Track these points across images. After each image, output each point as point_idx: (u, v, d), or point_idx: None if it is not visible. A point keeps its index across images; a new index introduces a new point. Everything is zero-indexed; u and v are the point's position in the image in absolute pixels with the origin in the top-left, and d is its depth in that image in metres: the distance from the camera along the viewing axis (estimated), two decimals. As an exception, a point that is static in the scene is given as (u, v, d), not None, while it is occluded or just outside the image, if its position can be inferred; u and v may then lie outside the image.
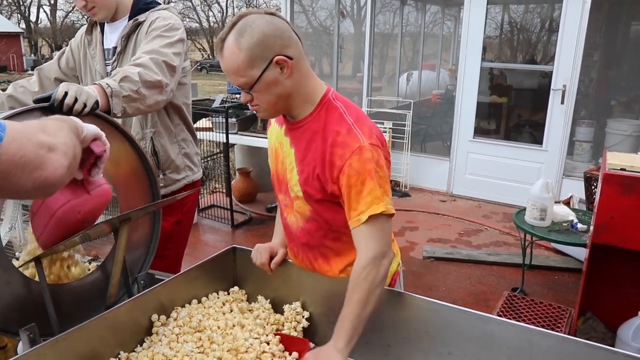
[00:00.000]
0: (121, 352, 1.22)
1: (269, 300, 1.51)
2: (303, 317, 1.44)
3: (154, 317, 1.32)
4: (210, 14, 37.49)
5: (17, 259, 1.45)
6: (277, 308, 1.50)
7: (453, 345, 1.27)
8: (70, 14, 36.47)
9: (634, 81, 6.06)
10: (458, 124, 5.40)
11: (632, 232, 2.22)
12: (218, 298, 1.50)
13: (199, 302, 1.46)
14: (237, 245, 1.62)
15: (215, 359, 1.24)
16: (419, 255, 4.08)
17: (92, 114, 1.38)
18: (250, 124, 4.82)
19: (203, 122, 4.63)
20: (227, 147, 4.73)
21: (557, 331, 2.62)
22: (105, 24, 2.03)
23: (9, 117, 1.17)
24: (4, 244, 1.41)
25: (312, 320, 1.44)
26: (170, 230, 2.03)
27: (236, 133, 4.71)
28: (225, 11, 36.47)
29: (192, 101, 2.32)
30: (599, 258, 2.56)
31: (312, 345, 1.36)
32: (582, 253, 3.49)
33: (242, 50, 1.16)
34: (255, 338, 1.33)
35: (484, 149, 5.34)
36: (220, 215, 4.85)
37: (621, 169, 2.24)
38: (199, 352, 1.24)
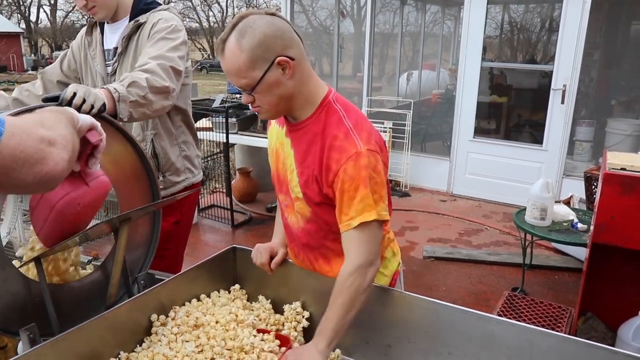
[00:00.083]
0: (121, 352, 1.22)
1: (269, 300, 1.51)
2: (303, 317, 1.44)
3: (154, 316, 1.32)
4: (210, 13, 37.54)
5: (19, 259, 1.45)
6: (277, 308, 1.50)
7: (453, 345, 1.27)
8: (70, 14, 36.49)
9: (634, 81, 6.06)
10: (458, 124, 5.40)
11: (632, 231, 2.22)
12: (219, 297, 1.50)
13: (199, 300, 1.46)
14: (237, 245, 1.62)
15: (215, 356, 1.24)
16: (419, 255, 4.08)
17: (97, 115, 1.39)
18: (250, 123, 4.82)
19: (203, 122, 4.63)
20: (227, 147, 4.73)
21: (558, 331, 2.62)
22: (106, 24, 2.03)
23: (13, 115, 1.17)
24: (4, 244, 1.41)
25: (312, 320, 1.44)
26: (169, 231, 2.03)
27: (236, 133, 4.71)
28: (225, 11, 36.49)
29: (192, 101, 2.33)
30: (599, 258, 2.55)
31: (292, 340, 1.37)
32: (582, 253, 3.49)
33: (243, 51, 1.15)
34: (255, 335, 1.33)
35: (484, 148, 5.34)
36: (220, 215, 4.85)
37: (621, 169, 2.24)
38: (199, 352, 1.24)
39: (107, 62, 2.02)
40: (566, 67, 4.68)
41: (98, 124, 1.06)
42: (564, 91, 4.73)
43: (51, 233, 1.19)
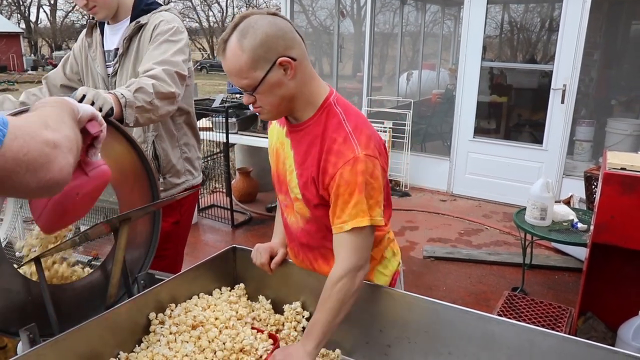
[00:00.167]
0: (121, 352, 1.22)
1: (269, 300, 1.51)
2: (303, 317, 1.44)
3: (152, 315, 1.32)
4: (210, 13, 37.55)
5: (19, 260, 1.45)
6: (278, 308, 1.50)
7: (453, 345, 1.27)
8: (70, 14, 36.50)
9: (634, 80, 6.06)
10: (458, 124, 5.40)
11: (632, 231, 2.22)
12: (221, 294, 1.50)
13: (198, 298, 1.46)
14: (237, 245, 1.62)
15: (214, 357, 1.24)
16: (419, 254, 4.07)
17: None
18: (250, 123, 4.82)
19: (203, 122, 4.63)
20: (227, 146, 4.73)
21: (558, 331, 2.62)
22: (106, 25, 2.03)
23: (15, 115, 1.17)
24: (3, 244, 1.41)
25: (312, 320, 1.44)
26: (169, 231, 2.03)
27: (236, 133, 4.71)
28: (225, 11, 36.50)
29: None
30: (599, 258, 2.55)
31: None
32: (582, 253, 3.49)
33: (245, 51, 1.15)
34: (255, 337, 1.33)
35: (484, 148, 5.33)
36: (220, 215, 4.85)
37: (621, 169, 2.24)
38: (200, 352, 1.24)
39: (107, 63, 2.02)
40: (566, 67, 4.69)
41: (98, 114, 1.05)
42: (564, 91, 4.73)
43: (50, 221, 1.18)
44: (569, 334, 2.25)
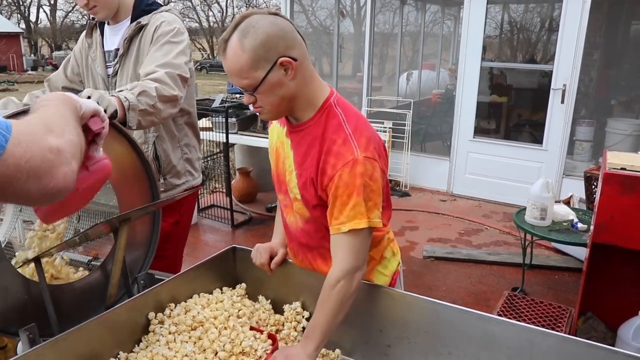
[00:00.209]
0: (120, 353, 1.22)
1: (269, 300, 1.51)
2: (303, 317, 1.44)
3: (151, 314, 1.32)
4: (210, 13, 37.53)
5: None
6: (277, 308, 1.50)
7: (453, 345, 1.27)
8: (70, 14, 36.49)
9: (634, 80, 6.06)
10: (458, 124, 5.39)
11: (632, 231, 2.22)
12: (222, 294, 1.50)
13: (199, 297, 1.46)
14: (237, 245, 1.62)
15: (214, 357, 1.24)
16: (419, 254, 4.07)
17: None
18: (250, 123, 4.82)
19: (203, 122, 4.63)
20: (227, 147, 4.73)
21: (558, 331, 2.62)
22: (106, 25, 2.03)
23: (14, 115, 1.17)
24: (3, 244, 1.41)
25: (312, 320, 1.44)
26: (168, 231, 2.03)
27: (236, 133, 4.71)
28: (225, 11, 36.49)
29: (192, 101, 2.33)
30: (599, 258, 2.55)
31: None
32: (582, 253, 3.48)
33: (245, 51, 1.14)
34: (256, 337, 1.33)
35: (484, 148, 5.33)
36: (220, 215, 4.85)
37: (621, 169, 2.24)
38: (199, 353, 1.24)
39: (107, 64, 2.02)
40: (566, 67, 4.69)
41: (101, 109, 1.03)
42: (563, 91, 4.73)
43: (49, 212, 1.18)
44: (569, 334, 2.25)
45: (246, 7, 32.67)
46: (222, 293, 1.51)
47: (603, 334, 2.59)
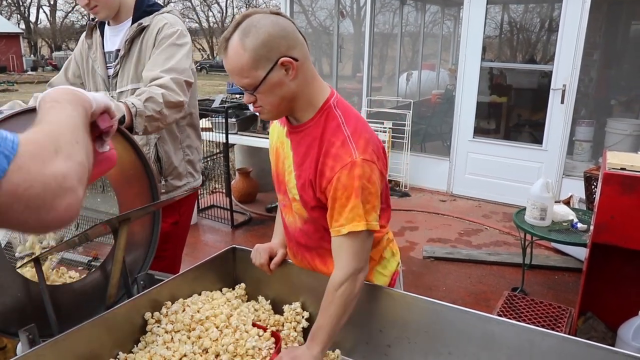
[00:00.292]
0: (120, 353, 1.22)
1: (269, 301, 1.51)
2: (303, 317, 1.44)
3: (147, 314, 1.31)
4: (210, 14, 37.53)
5: (18, 259, 1.45)
6: (277, 308, 1.49)
7: (453, 345, 1.26)
8: (70, 14, 36.50)
9: (634, 80, 6.06)
10: (458, 124, 5.39)
11: (632, 231, 2.22)
12: (223, 295, 1.50)
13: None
14: (236, 246, 1.62)
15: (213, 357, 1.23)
16: (419, 255, 4.07)
17: None
18: (250, 124, 4.82)
19: (203, 123, 4.63)
20: (227, 147, 4.73)
21: (558, 331, 2.62)
22: (106, 26, 2.03)
23: (13, 116, 1.17)
24: (3, 245, 1.41)
25: (312, 321, 1.44)
26: (168, 231, 2.03)
27: (236, 133, 4.70)
28: (224, 11, 36.50)
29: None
30: (599, 258, 2.55)
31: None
32: (582, 253, 3.48)
33: (246, 50, 1.14)
34: (260, 335, 1.33)
35: (484, 148, 5.33)
36: (220, 216, 4.85)
37: (621, 169, 2.24)
38: (200, 354, 1.24)
39: (108, 65, 2.02)
40: (566, 67, 4.69)
41: (112, 105, 0.98)
42: (563, 91, 4.73)
43: None
44: (568, 334, 2.25)
45: (246, 7, 32.68)
46: (223, 295, 1.51)
47: (603, 334, 2.59)
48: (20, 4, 35.99)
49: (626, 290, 2.60)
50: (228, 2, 36.22)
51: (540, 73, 6.46)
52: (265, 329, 1.36)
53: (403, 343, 1.34)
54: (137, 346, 1.27)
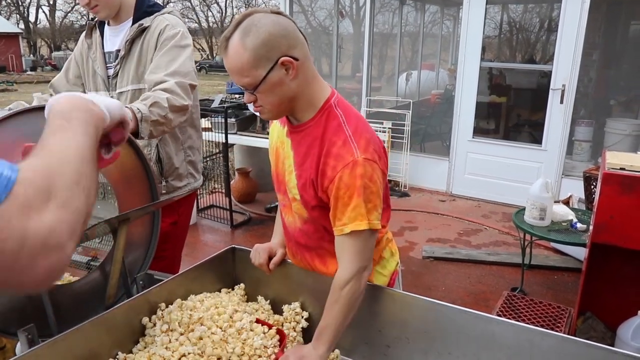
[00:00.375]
0: (119, 353, 1.22)
1: (268, 301, 1.51)
2: (302, 317, 1.44)
3: (145, 320, 1.30)
4: (210, 14, 37.53)
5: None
6: (277, 308, 1.49)
7: (453, 345, 1.26)
8: (69, 14, 36.49)
9: (633, 81, 6.06)
10: (457, 124, 5.40)
11: (631, 231, 2.22)
12: (221, 296, 1.50)
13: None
14: (236, 246, 1.62)
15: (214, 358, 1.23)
16: (419, 255, 4.07)
17: None
18: (250, 124, 4.82)
19: (202, 122, 4.63)
20: (227, 147, 4.72)
21: (557, 331, 2.62)
22: (106, 26, 2.03)
23: (14, 115, 1.17)
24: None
25: (312, 321, 1.44)
26: (167, 231, 2.03)
27: (235, 133, 4.70)
28: (224, 11, 36.50)
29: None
30: (599, 257, 2.55)
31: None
32: (581, 253, 3.49)
33: (247, 49, 1.14)
34: (265, 333, 1.33)
35: (483, 148, 5.34)
36: (219, 216, 4.85)
37: (621, 169, 2.24)
38: (198, 354, 1.24)
39: (108, 65, 2.02)
40: (565, 67, 4.69)
41: (128, 116, 0.93)
42: (563, 91, 4.73)
43: None
44: (568, 334, 2.25)
45: (245, 7, 32.67)
46: (224, 293, 1.51)
47: (602, 334, 2.59)
48: (20, 3, 35.98)
49: (625, 290, 2.60)
50: (227, 2, 36.25)
51: (540, 73, 6.46)
52: (270, 326, 1.36)
53: (402, 343, 1.34)
54: (136, 346, 1.27)
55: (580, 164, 5.13)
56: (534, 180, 3.24)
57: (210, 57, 34.42)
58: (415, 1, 7.72)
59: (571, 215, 3.20)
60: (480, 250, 4.16)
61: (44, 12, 38.08)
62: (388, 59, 7.91)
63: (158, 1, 2.07)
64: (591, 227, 2.48)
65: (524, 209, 3.24)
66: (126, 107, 1.57)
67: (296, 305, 1.46)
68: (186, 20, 34.04)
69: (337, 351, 1.38)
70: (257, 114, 1.32)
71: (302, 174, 1.29)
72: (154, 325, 1.30)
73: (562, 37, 4.67)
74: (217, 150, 5.44)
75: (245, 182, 5.25)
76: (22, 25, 35.81)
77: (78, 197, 0.63)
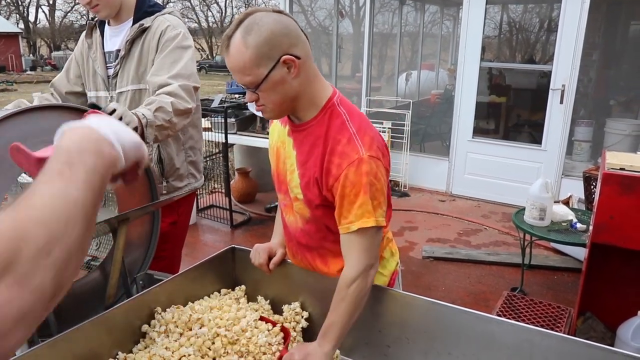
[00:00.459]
0: (119, 353, 1.22)
1: (268, 301, 1.51)
2: (302, 317, 1.44)
3: (145, 327, 1.30)
4: (209, 14, 37.52)
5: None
6: (277, 308, 1.49)
7: (453, 345, 1.26)
8: (69, 14, 36.49)
9: (633, 81, 6.07)
10: (457, 124, 5.40)
11: (631, 231, 2.22)
12: (226, 295, 1.50)
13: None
14: (236, 246, 1.61)
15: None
16: (418, 255, 4.07)
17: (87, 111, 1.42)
18: (249, 124, 4.82)
19: (202, 122, 4.62)
20: (226, 147, 4.72)
21: (557, 331, 2.62)
22: (107, 26, 2.03)
23: (16, 114, 1.17)
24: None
25: (311, 321, 1.44)
26: (166, 231, 2.03)
27: (235, 133, 4.70)
28: (224, 11, 36.50)
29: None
30: (599, 258, 2.55)
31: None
32: (581, 253, 3.49)
33: (249, 48, 1.14)
34: (269, 330, 1.33)
35: (483, 148, 5.34)
36: (219, 216, 4.85)
37: (620, 169, 2.24)
38: (199, 354, 1.24)
39: (108, 65, 2.02)
40: (565, 67, 4.69)
41: (144, 155, 0.81)
42: (562, 91, 4.74)
43: None
44: (568, 334, 2.25)
45: (245, 7, 32.67)
46: (227, 298, 1.51)
47: (602, 334, 2.59)
48: (19, 3, 35.97)
49: (625, 290, 2.60)
50: (227, 2, 36.25)
51: (540, 73, 6.46)
52: (274, 324, 1.36)
53: (402, 343, 1.33)
54: (136, 346, 1.27)
55: (580, 164, 5.14)
56: (534, 180, 3.23)
57: (210, 57, 34.43)
58: (415, 1, 7.72)
59: (571, 216, 3.20)
60: (480, 250, 4.16)
61: (43, 12, 38.12)
62: (388, 59, 7.91)
63: (158, 1, 2.07)
64: (591, 227, 2.48)
65: (523, 209, 3.24)
66: (132, 112, 1.58)
67: (296, 305, 1.46)
68: (186, 20, 34.02)
69: (337, 351, 1.38)
70: (259, 113, 1.32)
71: (305, 173, 1.29)
72: (154, 328, 1.30)
73: (562, 37, 4.67)
74: (217, 150, 5.44)
75: (245, 182, 5.25)
76: (21, 25, 35.81)
77: (43, 273, 0.50)
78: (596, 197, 2.37)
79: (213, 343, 1.27)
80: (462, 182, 5.48)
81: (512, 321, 1.24)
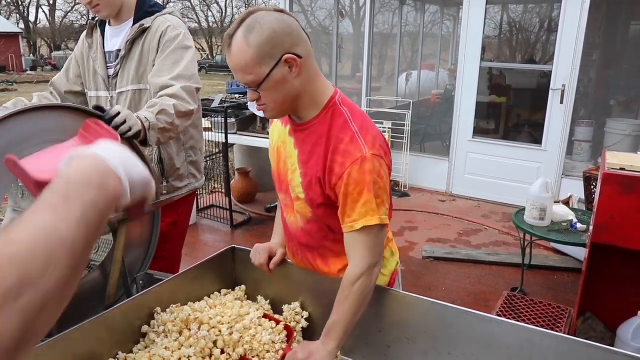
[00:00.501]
0: (119, 353, 1.22)
1: (268, 301, 1.51)
2: (302, 317, 1.44)
3: (145, 328, 1.30)
4: (210, 14, 37.53)
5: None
6: (277, 308, 1.49)
7: (453, 345, 1.26)
8: (69, 14, 36.50)
9: (633, 81, 6.07)
10: (457, 124, 5.39)
11: (631, 231, 2.22)
12: (223, 297, 1.50)
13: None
14: (236, 246, 1.62)
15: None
16: (419, 255, 4.07)
17: (90, 112, 1.43)
18: (250, 124, 4.82)
19: (203, 122, 4.62)
20: (227, 147, 4.72)
21: (557, 331, 2.62)
22: (107, 26, 2.03)
23: (16, 114, 1.17)
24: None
25: (312, 321, 1.44)
26: (166, 231, 2.03)
27: (235, 133, 4.71)
28: (224, 11, 36.51)
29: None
30: (599, 258, 2.55)
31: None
32: (581, 253, 3.49)
33: (250, 47, 1.14)
34: (272, 328, 1.33)
35: (483, 148, 5.34)
36: (219, 216, 4.85)
37: (621, 169, 2.24)
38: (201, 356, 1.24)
39: (108, 65, 2.02)
40: (565, 67, 4.69)
41: (152, 192, 0.77)
42: (563, 91, 4.73)
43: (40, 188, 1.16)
44: (568, 334, 2.25)
45: (245, 7, 32.67)
46: (224, 295, 1.51)
47: (602, 334, 2.59)
48: (20, 3, 35.98)
49: (625, 291, 2.60)
50: (227, 2, 36.25)
51: (540, 73, 6.46)
52: (278, 322, 1.36)
53: (402, 343, 1.33)
54: (137, 346, 1.27)
55: (580, 164, 5.14)
56: (534, 181, 3.23)
57: (210, 57, 34.43)
58: (415, 1, 7.72)
59: (571, 216, 3.20)
60: (480, 250, 4.16)
61: (44, 11, 38.12)
62: (388, 59, 7.91)
63: (158, 1, 2.07)
64: (591, 228, 2.48)
65: (524, 209, 3.24)
66: (135, 115, 1.58)
67: (296, 305, 1.46)
68: (186, 20, 34.03)
69: (337, 351, 1.38)
70: (260, 113, 1.32)
71: (307, 172, 1.29)
72: (153, 328, 1.30)
73: (562, 37, 4.67)
74: (217, 150, 5.44)
75: (245, 182, 5.25)
76: (22, 25, 35.81)
77: (6, 318, 0.45)
78: (596, 197, 2.37)
79: (215, 346, 1.26)
80: (463, 182, 5.48)
81: (512, 321, 1.24)
